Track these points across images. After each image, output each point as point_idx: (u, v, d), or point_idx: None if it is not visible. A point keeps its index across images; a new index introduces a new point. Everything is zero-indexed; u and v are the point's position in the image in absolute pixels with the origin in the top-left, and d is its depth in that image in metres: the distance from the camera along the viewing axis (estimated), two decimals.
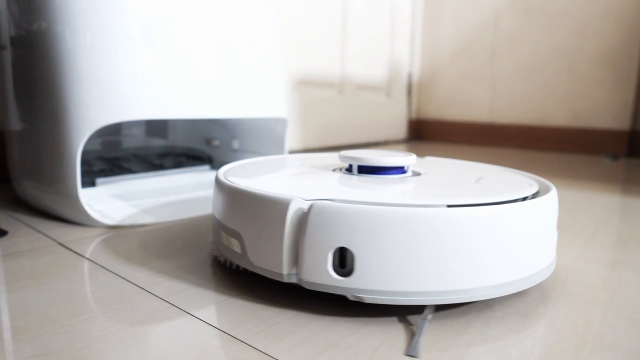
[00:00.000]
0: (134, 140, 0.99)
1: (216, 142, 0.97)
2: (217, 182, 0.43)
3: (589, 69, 1.55)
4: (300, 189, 0.38)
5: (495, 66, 1.74)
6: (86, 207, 0.57)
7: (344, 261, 0.35)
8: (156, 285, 0.40)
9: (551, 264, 0.39)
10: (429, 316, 0.34)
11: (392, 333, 0.33)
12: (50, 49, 0.54)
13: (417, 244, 0.33)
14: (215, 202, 0.43)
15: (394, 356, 0.30)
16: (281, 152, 0.84)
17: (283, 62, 0.78)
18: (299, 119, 1.41)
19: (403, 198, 0.35)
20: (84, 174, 0.75)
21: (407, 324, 0.34)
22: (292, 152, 1.36)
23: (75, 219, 0.58)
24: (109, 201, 0.66)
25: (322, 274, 0.34)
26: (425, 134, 1.98)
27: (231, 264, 0.43)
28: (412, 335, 0.32)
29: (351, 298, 0.34)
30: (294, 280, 0.36)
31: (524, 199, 0.39)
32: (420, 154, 1.44)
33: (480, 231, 0.33)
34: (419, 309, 0.36)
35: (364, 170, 0.45)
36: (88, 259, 0.46)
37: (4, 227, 0.56)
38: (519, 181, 0.45)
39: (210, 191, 0.75)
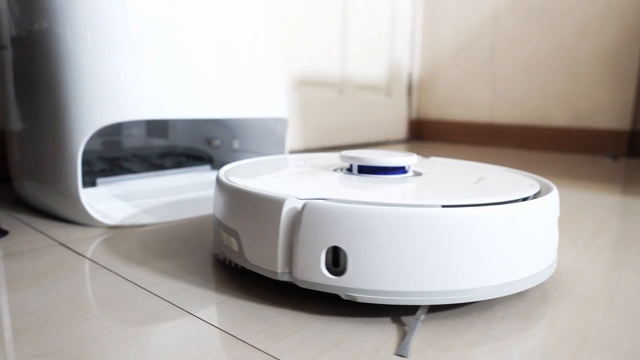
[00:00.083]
0: (134, 140, 0.99)
1: (217, 142, 0.97)
2: (218, 181, 0.44)
3: (589, 69, 1.55)
4: (297, 189, 0.38)
5: (495, 66, 1.74)
6: (87, 207, 0.57)
7: (337, 260, 0.35)
8: (157, 285, 0.40)
9: (552, 264, 0.39)
10: (422, 316, 0.34)
11: (393, 333, 0.33)
12: (51, 49, 0.54)
13: (410, 244, 0.33)
14: (215, 201, 0.44)
15: (395, 356, 0.30)
16: (282, 152, 0.84)
17: (283, 62, 0.78)
18: (299, 119, 1.41)
19: (398, 198, 0.35)
20: (84, 174, 0.75)
21: (409, 324, 0.34)
22: (292, 152, 1.36)
23: (76, 219, 0.58)
24: (109, 201, 0.66)
25: (316, 273, 0.34)
26: (425, 134, 1.98)
27: (230, 262, 0.43)
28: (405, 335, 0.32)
29: (344, 297, 0.34)
30: (288, 278, 0.36)
31: (525, 199, 0.39)
32: (421, 154, 1.44)
33: (476, 231, 0.33)
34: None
35: (365, 170, 0.45)
36: (89, 259, 0.46)
37: (5, 227, 0.56)
38: (520, 181, 0.45)
39: (210, 191, 0.75)
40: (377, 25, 1.68)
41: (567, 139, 1.62)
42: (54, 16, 0.54)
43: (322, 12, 1.43)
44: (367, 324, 0.34)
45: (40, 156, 0.59)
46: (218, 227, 0.43)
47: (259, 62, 0.73)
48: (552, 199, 0.39)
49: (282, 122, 0.82)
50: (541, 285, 0.42)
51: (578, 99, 1.58)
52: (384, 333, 0.33)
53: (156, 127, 1.02)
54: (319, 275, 0.34)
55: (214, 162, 0.93)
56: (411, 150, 1.57)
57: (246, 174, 0.45)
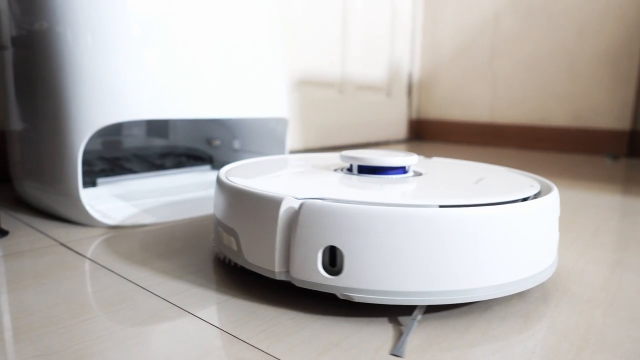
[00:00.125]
0: (134, 140, 0.99)
1: (217, 142, 0.97)
2: (218, 181, 0.44)
3: (589, 69, 1.55)
4: (296, 188, 0.38)
5: (495, 66, 1.74)
6: (87, 207, 0.57)
7: (334, 260, 0.35)
8: (157, 285, 0.40)
9: (553, 264, 0.39)
10: (419, 316, 0.34)
11: (393, 333, 0.33)
12: (52, 49, 0.54)
13: (406, 244, 0.33)
14: (215, 200, 0.44)
15: (394, 357, 0.30)
16: (282, 152, 0.84)
17: (283, 62, 0.78)
18: (299, 119, 1.41)
19: (395, 198, 0.35)
20: (85, 174, 0.75)
21: (406, 324, 0.34)
22: (292, 152, 1.36)
23: (77, 219, 0.58)
24: (110, 201, 0.66)
25: (312, 272, 0.34)
26: (425, 134, 1.98)
27: (230, 261, 0.43)
28: (401, 335, 0.32)
29: (340, 296, 0.34)
30: (285, 278, 0.36)
31: (525, 199, 0.39)
32: (422, 154, 1.44)
33: (476, 231, 0.33)
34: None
35: (365, 170, 0.45)
36: (89, 259, 0.46)
37: (5, 227, 0.56)
38: (520, 182, 0.45)
39: (210, 191, 0.75)
40: (377, 25, 1.69)
41: (567, 139, 1.62)
42: (54, 16, 0.54)
43: (322, 12, 1.43)
44: (368, 324, 0.34)
45: (40, 156, 0.59)
46: (218, 226, 0.43)
47: (260, 62, 0.73)
48: (553, 199, 0.39)
49: (282, 122, 0.82)
50: (542, 285, 0.42)
51: (578, 98, 1.58)
52: (384, 333, 0.33)
53: (156, 127, 1.02)
54: (315, 274, 0.34)
55: (215, 162, 0.93)
56: (411, 150, 1.57)
57: (247, 174, 0.45)
